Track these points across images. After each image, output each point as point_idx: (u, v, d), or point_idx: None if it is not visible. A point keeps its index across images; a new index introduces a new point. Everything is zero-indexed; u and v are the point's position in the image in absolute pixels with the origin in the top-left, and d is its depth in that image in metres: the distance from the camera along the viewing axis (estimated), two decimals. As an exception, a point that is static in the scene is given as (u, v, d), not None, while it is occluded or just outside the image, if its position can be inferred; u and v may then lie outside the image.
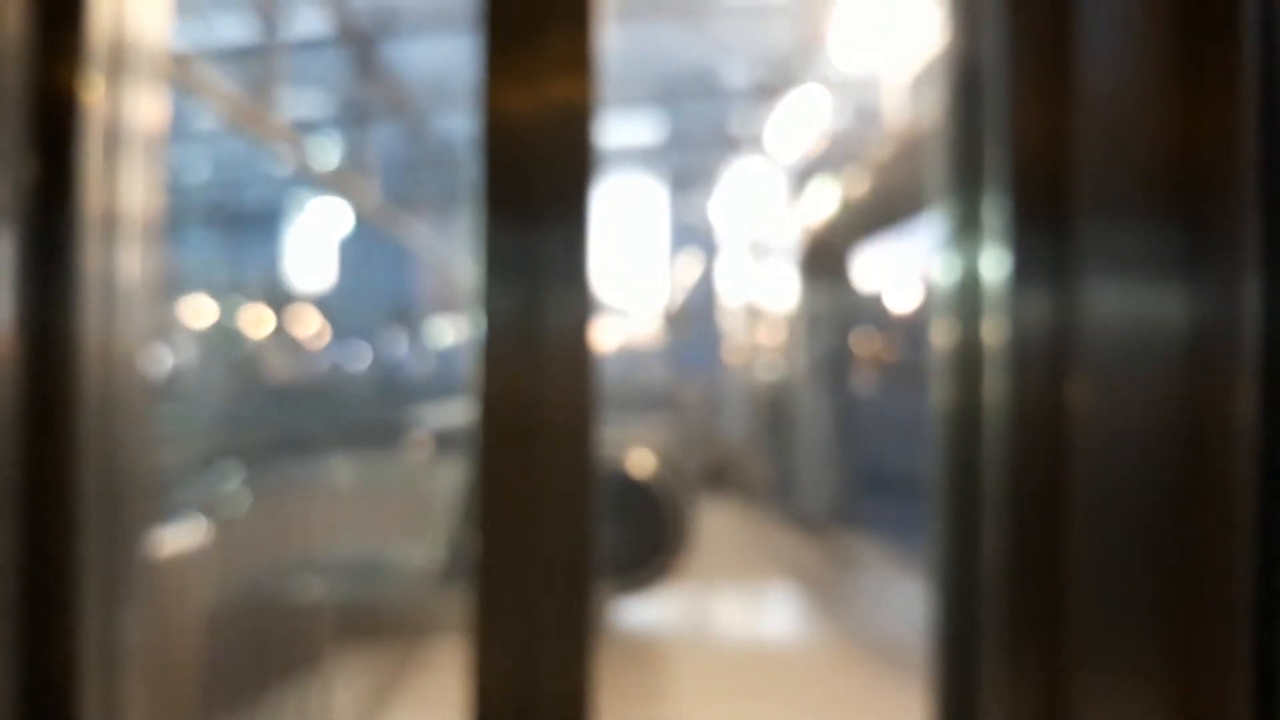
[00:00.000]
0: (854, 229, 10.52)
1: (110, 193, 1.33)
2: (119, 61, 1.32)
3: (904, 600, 8.39)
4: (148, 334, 1.42)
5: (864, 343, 13.15)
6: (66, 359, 1.28)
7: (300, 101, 10.91)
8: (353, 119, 10.23)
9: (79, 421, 1.30)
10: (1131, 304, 1.40)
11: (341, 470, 6.35)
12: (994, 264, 1.45)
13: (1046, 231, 1.42)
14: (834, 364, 12.40)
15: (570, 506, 1.55)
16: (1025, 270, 1.43)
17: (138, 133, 1.37)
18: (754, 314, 14.27)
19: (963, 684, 1.53)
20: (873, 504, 13.10)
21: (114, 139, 1.33)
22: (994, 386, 1.45)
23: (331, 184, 9.26)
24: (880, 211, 9.40)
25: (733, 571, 9.36)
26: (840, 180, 8.34)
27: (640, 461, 7.20)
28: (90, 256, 1.29)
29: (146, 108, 1.40)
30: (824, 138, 9.57)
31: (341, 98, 10.66)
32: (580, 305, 1.53)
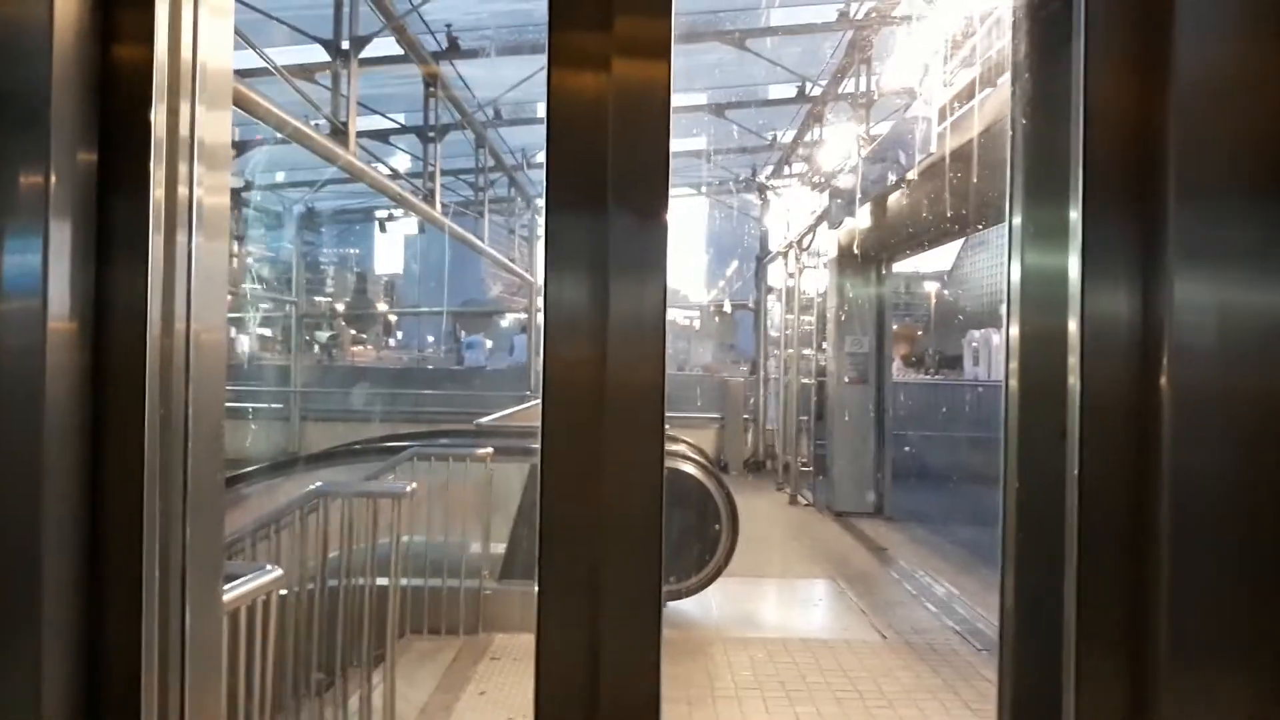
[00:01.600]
0: (894, 233, 10.30)
1: (173, 190, 1.30)
2: (181, 78, 1.30)
3: (941, 592, 8.19)
4: (216, 318, 1.38)
5: (901, 339, 12.90)
6: (133, 340, 1.26)
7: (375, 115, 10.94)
8: (422, 131, 10.20)
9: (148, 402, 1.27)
10: (1223, 293, 1.28)
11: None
12: (1076, 255, 1.34)
13: (1132, 221, 1.31)
14: (872, 359, 12.17)
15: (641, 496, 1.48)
16: (1108, 261, 1.33)
17: (202, 139, 1.33)
18: (796, 311, 14.05)
19: (1035, 680, 1.44)
20: (909, 494, 12.89)
21: (177, 145, 1.30)
22: (1075, 378, 1.35)
23: (410, 197, 9.24)
24: (920, 217, 9.19)
25: (774, 562, 9.20)
26: (883, 188, 8.12)
27: (694, 459, 7.06)
28: (154, 246, 1.26)
29: (209, 118, 1.37)
30: (867, 147, 9.33)
31: (412, 111, 10.64)
32: (656, 294, 1.43)
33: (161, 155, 1.28)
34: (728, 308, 19.26)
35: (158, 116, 1.27)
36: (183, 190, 1.31)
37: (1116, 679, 1.35)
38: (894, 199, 8.27)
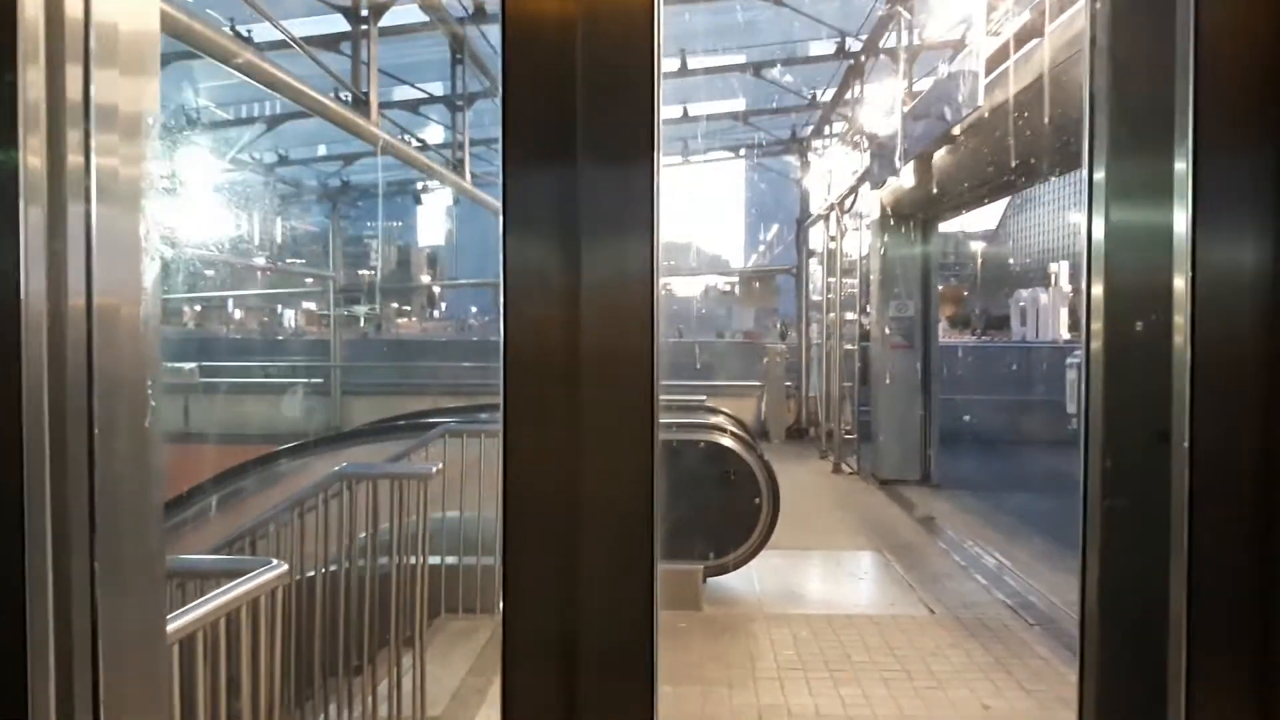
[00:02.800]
0: (939, 192, 9.93)
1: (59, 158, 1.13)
2: (67, 40, 1.13)
3: (991, 563, 7.91)
4: (129, 293, 1.21)
5: (946, 300, 12.53)
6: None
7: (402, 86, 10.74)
8: (449, 100, 9.98)
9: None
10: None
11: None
12: (1185, 207, 1.17)
13: (1256, 165, 1.13)
14: (917, 322, 11.82)
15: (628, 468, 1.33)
16: (1225, 212, 1.16)
17: (103, 105, 1.17)
18: (839, 275, 13.71)
19: (1127, 682, 1.32)
20: (957, 460, 12.57)
21: (63, 110, 1.13)
22: (1183, 340, 1.19)
23: (438, 166, 9.05)
24: (966, 177, 8.81)
25: (817, 534, 8.96)
26: (927, 144, 7.77)
27: (732, 430, 6.83)
28: (30, 216, 1.10)
29: (115, 83, 1.20)
30: (909, 104, 8.95)
31: (439, 80, 10.42)
32: (642, 255, 1.24)
33: (39, 121, 1.09)
34: (772, 270, 18.91)
35: (26, 78, 1.09)
36: (74, 158, 1.12)
37: (1236, 687, 1.19)
38: (939, 156, 7.91)
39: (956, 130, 6.74)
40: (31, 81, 1.09)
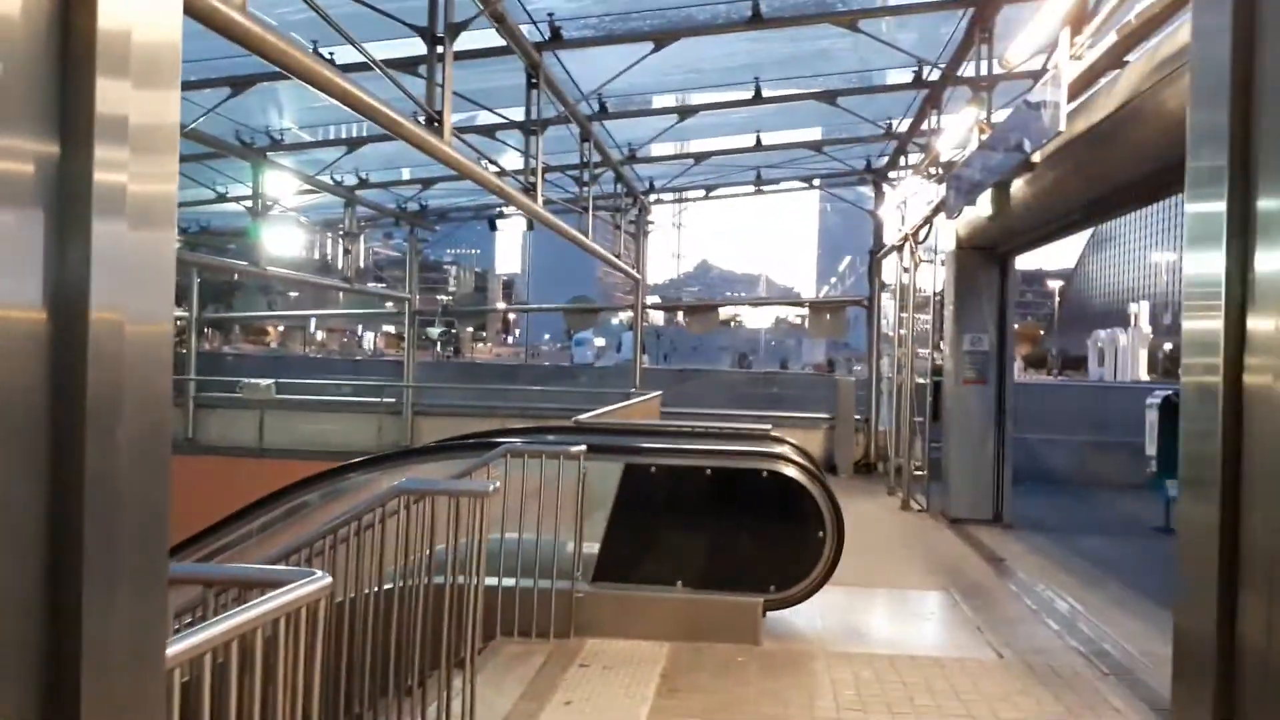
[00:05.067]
0: (1015, 228, 9.63)
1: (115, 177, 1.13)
2: (128, 61, 1.14)
3: (1063, 608, 7.55)
4: (163, 310, 1.22)
5: (1022, 338, 12.14)
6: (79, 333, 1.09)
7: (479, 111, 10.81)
8: (525, 127, 10.00)
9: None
10: None
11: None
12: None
13: None
14: (990, 359, 11.46)
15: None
16: None
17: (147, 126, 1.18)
18: (911, 308, 13.40)
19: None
20: (1030, 501, 12.13)
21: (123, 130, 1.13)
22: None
23: (509, 188, 9.04)
24: (1042, 213, 8.52)
25: (883, 571, 8.66)
26: (1003, 180, 7.52)
27: (797, 461, 6.62)
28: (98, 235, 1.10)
29: (155, 102, 1.21)
30: (987, 133, 8.71)
31: (514, 106, 10.46)
32: None
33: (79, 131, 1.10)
34: (844, 303, 18.59)
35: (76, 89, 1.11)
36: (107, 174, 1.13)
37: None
38: (1017, 186, 7.65)
39: (1036, 158, 6.50)
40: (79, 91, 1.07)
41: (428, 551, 5.28)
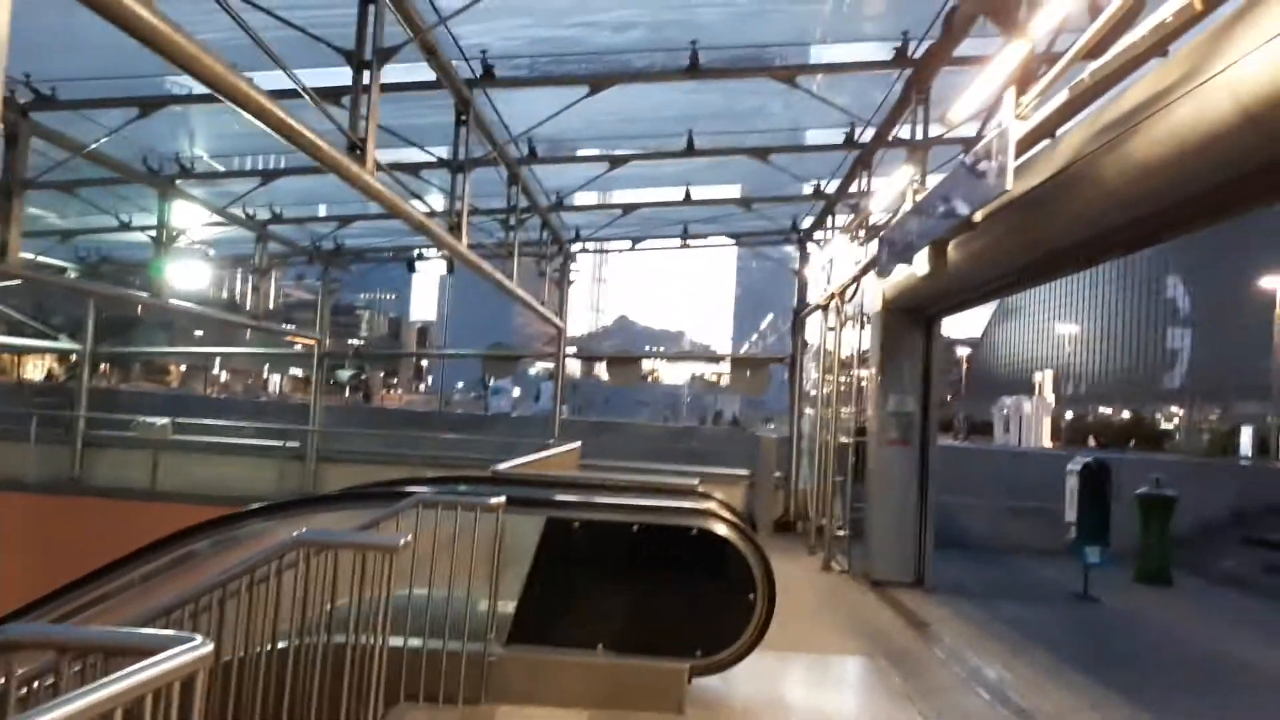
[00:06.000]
0: (946, 290, 9.61)
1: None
2: None
3: (992, 676, 7.35)
4: None
5: (944, 401, 12.16)
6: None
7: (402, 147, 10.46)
8: (451, 166, 9.67)
9: None
10: None
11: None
12: None
13: None
14: (914, 421, 11.41)
15: None
16: None
17: None
18: (836, 367, 13.34)
19: None
20: (950, 564, 12.03)
21: None
22: None
23: (433, 226, 8.67)
24: (976, 274, 8.50)
25: (808, 635, 8.38)
26: (941, 239, 7.46)
27: (726, 518, 6.32)
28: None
29: None
30: (917, 197, 8.70)
31: (441, 145, 10.13)
32: None
33: None
34: (765, 360, 18.53)
35: None
36: None
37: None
38: (953, 246, 7.60)
39: (978, 217, 6.43)
40: None
41: (328, 607, 4.84)
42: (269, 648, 4.63)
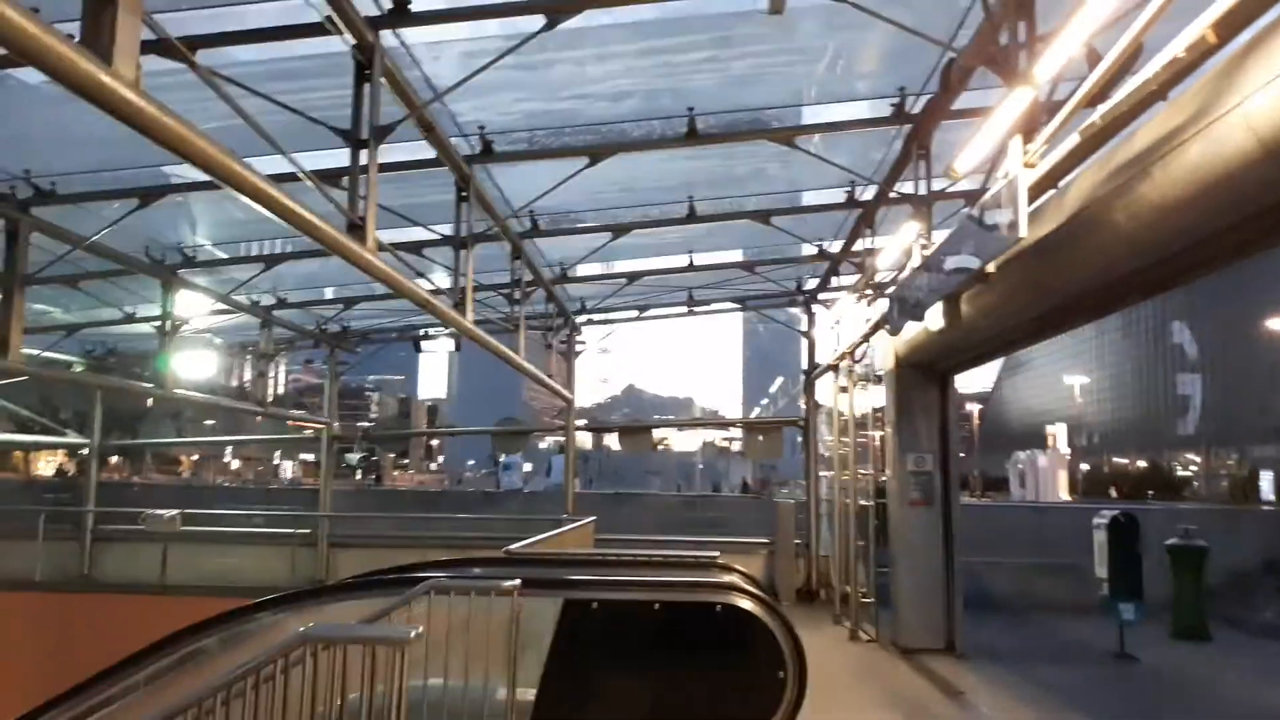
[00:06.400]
0: (959, 345, 9.44)
1: None
2: None
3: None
4: None
5: (963, 460, 11.91)
6: None
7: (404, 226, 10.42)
8: (454, 242, 9.59)
9: None
10: None
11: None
12: None
13: None
14: (936, 478, 11.14)
15: None
16: None
17: None
18: (852, 428, 13.11)
19: None
20: (980, 627, 11.65)
21: None
22: None
23: (437, 303, 8.54)
24: (989, 328, 8.33)
25: (840, 709, 8.04)
26: (954, 292, 7.31)
27: (751, 591, 6.05)
28: None
29: None
30: (925, 253, 8.58)
31: (445, 221, 10.07)
32: None
33: None
34: (777, 424, 18.28)
35: None
36: None
37: None
38: (966, 299, 7.45)
39: (991, 268, 6.28)
40: None
41: (338, 702, 4.59)
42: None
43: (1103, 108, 4.88)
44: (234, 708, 4.40)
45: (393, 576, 6.77)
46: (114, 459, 55.60)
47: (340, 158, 7.37)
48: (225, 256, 12.74)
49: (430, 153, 8.69)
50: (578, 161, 9.55)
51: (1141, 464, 70.42)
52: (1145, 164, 5.17)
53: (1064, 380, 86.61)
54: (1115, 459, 76.23)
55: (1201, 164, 4.80)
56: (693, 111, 8.86)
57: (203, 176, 4.74)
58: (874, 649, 11.16)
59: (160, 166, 9.22)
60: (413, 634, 4.31)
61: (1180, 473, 67.26)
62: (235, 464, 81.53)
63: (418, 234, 10.87)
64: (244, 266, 13.06)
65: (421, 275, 10.00)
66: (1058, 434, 61.86)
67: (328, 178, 7.72)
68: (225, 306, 14.23)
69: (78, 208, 9.92)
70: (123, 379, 16.54)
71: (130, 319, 14.32)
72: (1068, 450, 62.34)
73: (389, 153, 8.90)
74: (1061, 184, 6.37)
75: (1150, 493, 49.95)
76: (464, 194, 9.29)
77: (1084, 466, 68.09)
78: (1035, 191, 6.08)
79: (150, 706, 5.77)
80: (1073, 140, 5.28)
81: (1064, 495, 53.38)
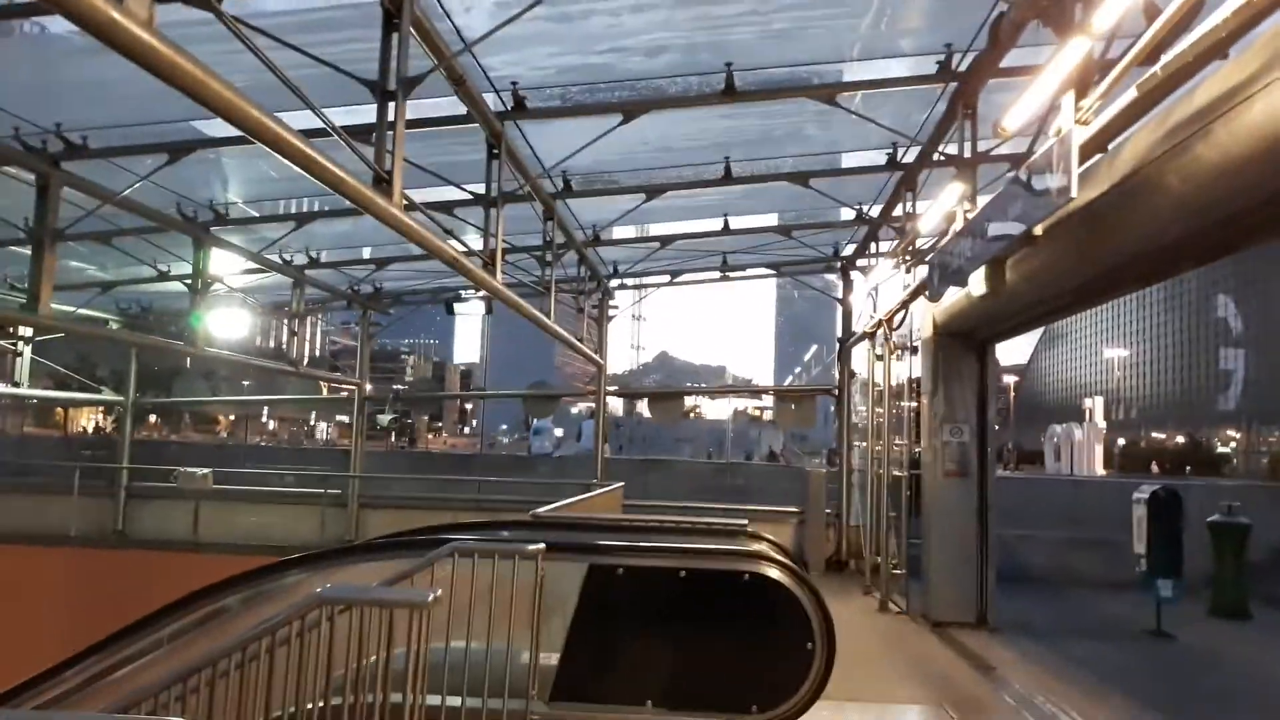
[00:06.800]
0: (1000, 313, 9.16)
1: None
2: None
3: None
4: None
5: (998, 432, 11.65)
6: None
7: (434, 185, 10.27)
8: (485, 201, 9.42)
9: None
10: None
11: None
12: None
13: None
14: (972, 450, 10.90)
15: None
16: None
17: None
18: (887, 397, 12.87)
19: None
20: (1012, 601, 11.45)
21: None
22: None
23: (468, 263, 8.40)
24: (1028, 295, 8.05)
25: (867, 681, 7.90)
26: (999, 256, 7.05)
27: (780, 560, 5.90)
28: None
29: None
30: (968, 216, 8.30)
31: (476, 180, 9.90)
32: None
33: None
34: (811, 393, 18.05)
35: None
36: None
37: None
38: (1011, 264, 7.18)
39: (1038, 230, 6.03)
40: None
41: (355, 666, 4.51)
42: (293, 710, 4.31)
43: (1165, 57, 4.61)
44: (250, 669, 4.34)
45: (418, 538, 6.69)
46: (152, 418, 56.35)
47: (368, 114, 7.22)
48: (256, 214, 12.67)
49: (461, 109, 8.52)
50: (612, 119, 9.34)
51: (1180, 439, 69.35)
52: (1207, 121, 4.89)
53: (1103, 353, 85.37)
54: (1154, 434, 75.17)
55: (1266, 122, 4.54)
56: (731, 67, 8.61)
57: (232, 132, 4.60)
58: (904, 621, 10.99)
59: (190, 121, 9.12)
60: (431, 597, 4.21)
61: (1219, 449, 66.18)
62: (271, 425, 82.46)
63: (449, 193, 10.71)
64: (276, 226, 12.99)
65: (451, 234, 9.84)
66: (1095, 407, 61.02)
67: (356, 134, 7.56)
68: (257, 265, 14.19)
69: (109, 163, 9.86)
70: (157, 337, 16.61)
71: (164, 277, 14.33)
72: (1104, 424, 61.52)
73: (419, 109, 8.75)
74: (1112, 146, 6.09)
75: (1188, 469, 49.17)
76: (495, 151, 9.11)
77: (1121, 441, 67.19)
78: (1085, 152, 5.81)
79: (170, 666, 5.75)
80: (1129, 96, 5.00)
81: (1100, 470, 52.73)
